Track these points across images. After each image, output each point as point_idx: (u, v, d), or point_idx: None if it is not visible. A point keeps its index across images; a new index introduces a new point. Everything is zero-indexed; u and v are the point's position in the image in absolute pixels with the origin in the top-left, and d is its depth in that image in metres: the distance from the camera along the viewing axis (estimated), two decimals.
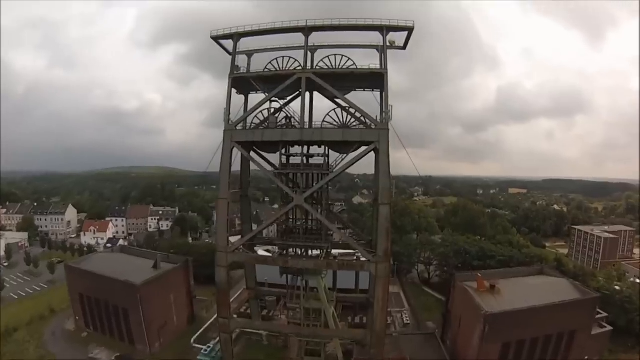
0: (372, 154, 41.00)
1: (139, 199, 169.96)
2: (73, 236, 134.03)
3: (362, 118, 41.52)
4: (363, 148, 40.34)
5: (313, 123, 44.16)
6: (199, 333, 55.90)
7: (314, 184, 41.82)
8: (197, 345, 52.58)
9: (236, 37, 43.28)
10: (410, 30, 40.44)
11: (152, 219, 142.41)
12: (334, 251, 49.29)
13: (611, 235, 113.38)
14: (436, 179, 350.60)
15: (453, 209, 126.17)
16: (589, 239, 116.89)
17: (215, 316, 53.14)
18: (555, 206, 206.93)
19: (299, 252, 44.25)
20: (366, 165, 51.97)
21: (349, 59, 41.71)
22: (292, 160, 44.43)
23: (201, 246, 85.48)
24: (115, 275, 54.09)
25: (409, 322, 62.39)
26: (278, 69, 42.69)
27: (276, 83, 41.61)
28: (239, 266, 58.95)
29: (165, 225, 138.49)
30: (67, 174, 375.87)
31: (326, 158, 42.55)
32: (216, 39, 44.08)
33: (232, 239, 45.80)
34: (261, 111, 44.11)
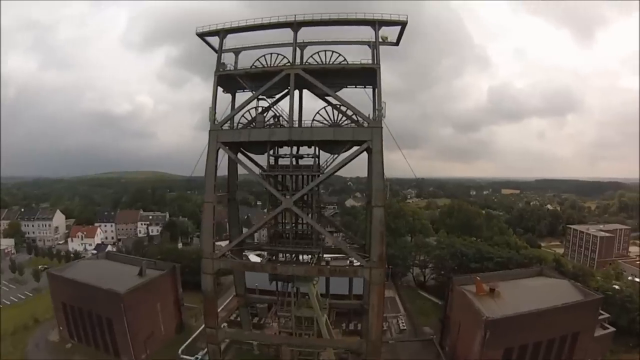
0: (365, 155, 39.36)
1: (129, 203, 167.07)
2: (61, 242, 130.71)
3: (354, 116, 39.86)
4: (355, 148, 38.60)
5: (302, 122, 42.42)
6: (187, 343, 53.47)
7: (304, 186, 40.16)
8: (184, 357, 50.35)
9: (222, 33, 41.39)
10: (403, 24, 38.85)
11: (141, 224, 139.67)
12: (325, 256, 47.45)
13: (607, 234, 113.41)
14: (429, 181, 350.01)
15: (448, 210, 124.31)
16: (585, 238, 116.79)
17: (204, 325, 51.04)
18: (549, 206, 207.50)
19: (289, 258, 42.42)
20: (359, 168, 50.49)
21: (340, 54, 40.12)
22: (281, 161, 42.64)
23: (190, 251, 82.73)
24: (99, 283, 51.65)
25: (405, 327, 60.69)
26: (266, 66, 40.76)
27: (264, 80, 39.69)
28: (229, 272, 56.99)
29: (155, 230, 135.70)
30: (58, 178, 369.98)
31: (316, 159, 40.78)
32: (202, 35, 42.20)
33: (222, 244, 43.91)
34: (248, 110, 42.27)
